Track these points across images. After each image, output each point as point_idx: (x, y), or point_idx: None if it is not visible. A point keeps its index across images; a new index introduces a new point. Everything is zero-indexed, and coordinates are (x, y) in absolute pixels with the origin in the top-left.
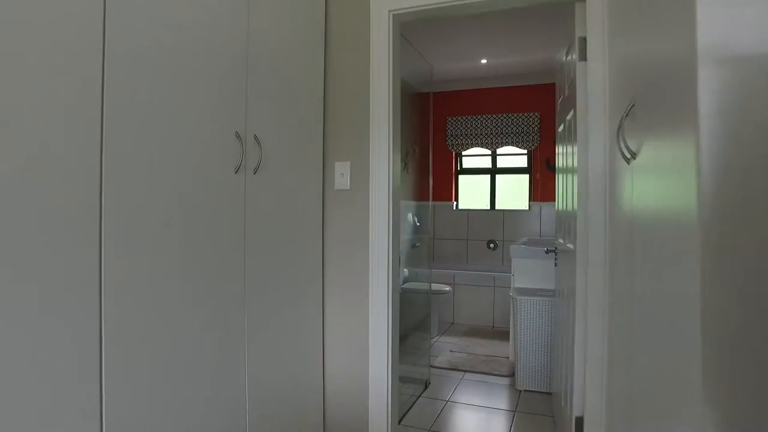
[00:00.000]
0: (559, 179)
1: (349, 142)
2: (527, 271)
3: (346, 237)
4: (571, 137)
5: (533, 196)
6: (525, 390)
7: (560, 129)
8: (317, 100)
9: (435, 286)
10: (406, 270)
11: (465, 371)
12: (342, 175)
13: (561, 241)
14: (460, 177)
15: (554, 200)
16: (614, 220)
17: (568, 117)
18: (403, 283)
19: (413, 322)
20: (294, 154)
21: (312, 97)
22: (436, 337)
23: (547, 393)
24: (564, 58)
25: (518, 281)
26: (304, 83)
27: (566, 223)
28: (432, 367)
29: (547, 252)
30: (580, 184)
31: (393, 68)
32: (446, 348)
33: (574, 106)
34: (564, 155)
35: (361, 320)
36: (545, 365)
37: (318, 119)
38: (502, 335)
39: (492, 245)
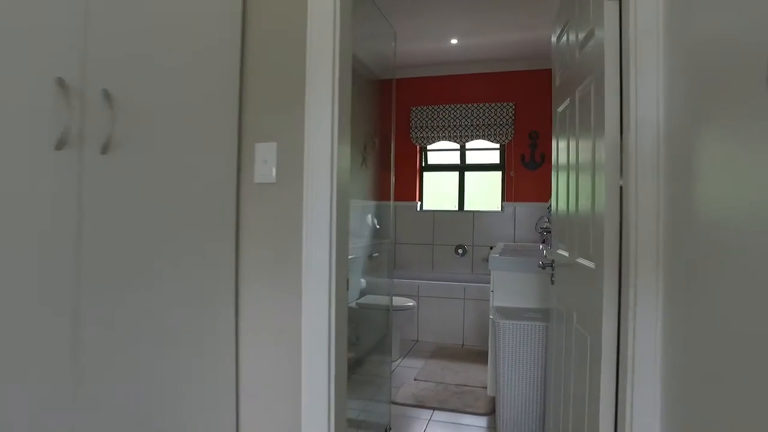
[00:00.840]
0: (558, 177)
1: (277, 115)
2: (510, 286)
3: (272, 248)
4: (583, 122)
5: (506, 196)
6: None
7: (559, 114)
8: (230, 52)
9: (397, 300)
10: (363, 281)
11: (434, 408)
12: (265, 162)
13: (564, 253)
14: (425, 174)
15: (531, 200)
16: (679, 226)
17: (563, 106)
18: (360, 297)
19: (371, 343)
20: (187, 126)
21: (222, 47)
22: (399, 360)
23: None
24: (558, 40)
25: (499, 298)
26: (211, 24)
27: (576, 230)
28: (393, 403)
29: (543, 268)
30: (609, 174)
31: (340, 15)
32: (410, 375)
33: (577, 86)
34: (567, 148)
35: (291, 356)
36: (535, 405)
37: (231, 80)
38: (475, 357)
39: (460, 251)
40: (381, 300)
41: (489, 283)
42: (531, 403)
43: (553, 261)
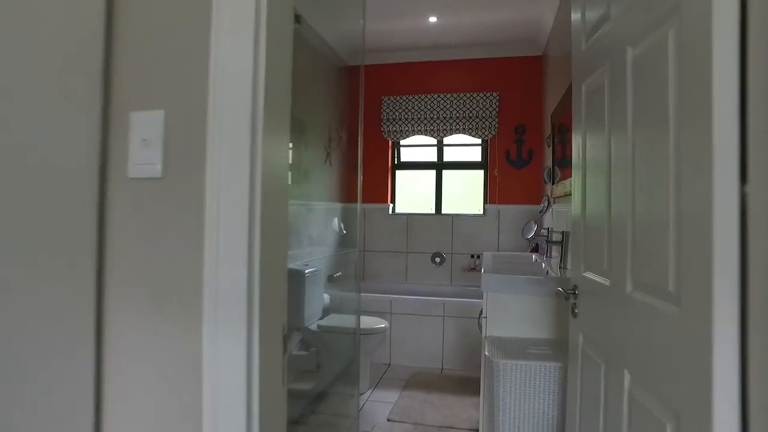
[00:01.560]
0: (586, 176)
1: (165, 64)
2: (508, 311)
3: (156, 278)
4: (646, 99)
5: (489, 198)
6: None
7: (586, 94)
8: None
9: (366, 321)
10: (326, 296)
11: None
12: (146, 143)
13: (597, 278)
14: (398, 173)
15: (517, 202)
16: None
17: (595, 80)
18: (322, 316)
19: (335, 372)
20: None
21: None
22: (368, 393)
23: None
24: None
25: (494, 326)
26: None
27: (625, 249)
28: None
29: (566, 297)
30: (720, 176)
31: None
32: (382, 413)
33: (627, 45)
34: (607, 137)
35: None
36: None
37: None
38: (457, 386)
39: (438, 259)
40: (347, 321)
41: (472, 297)
42: None
43: (575, 287)
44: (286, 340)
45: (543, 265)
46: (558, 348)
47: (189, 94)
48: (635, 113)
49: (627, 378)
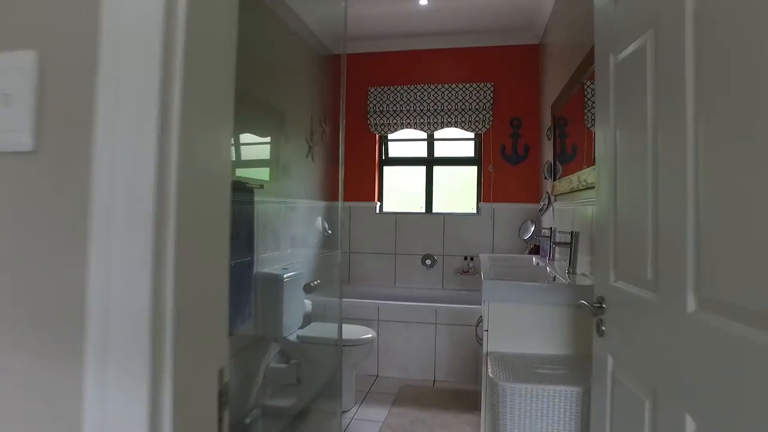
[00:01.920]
0: (618, 169)
1: None
2: (512, 323)
3: (15, 299)
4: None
5: (483, 196)
6: None
7: (619, 65)
8: None
9: (352, 331)
10: (308, 302)
11: None
12: (7, 97)
13: (635, 290)
14: (386, 169)
15: (513, 200)
16: None
17: (636, 50)
18: (304, 324)
19: (317, 388)
20: None
21: None
22: (354, 409)
23: None
24: None
25: (497, 340)
26: None
27: (682, 257)
28: None
29: (594, 313)
30: None
31: None
32: (368, 430)
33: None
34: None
35: None
36: None
37: None
38: (451, 401)
39: (429, 261)
40: (331, 330)
41: (465, 302)
42: None
43: (602, 299)
44: (225, 390)
45: (548, 269)
46: (574, 367)
47: (75, 32)
48: (699, 88)
49: (690, 426)
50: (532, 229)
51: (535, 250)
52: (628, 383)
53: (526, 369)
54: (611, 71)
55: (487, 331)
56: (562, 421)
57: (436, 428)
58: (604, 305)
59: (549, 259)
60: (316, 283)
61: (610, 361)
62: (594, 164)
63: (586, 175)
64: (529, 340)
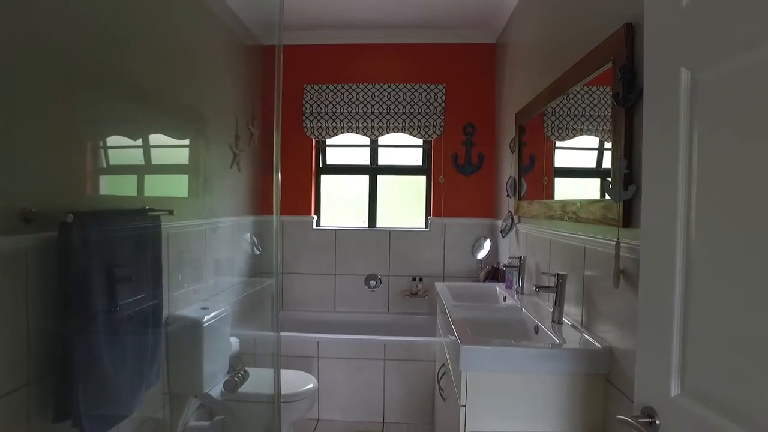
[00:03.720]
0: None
1: None
2: (496, 395)
3: None
4: None
5: (433, 210)
6: None
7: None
8: None
9: (288, 379)
10: (235, 341)
11: None
12: None
13: (709, 415)
14: (324, 178)
15: (466, 215)
16: None
17: None
18: (230, 372)
19: None
20: None
21: None
22: None
23: None
24: None
25: (478, 418)
26: None
27: None
28: None
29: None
30: None
31: None
32: None
33: None
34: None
35: None
36: None
37: None
38: None
39: (373, 282)
40: (263, 381)
41: (415, 327)
42: None
43: (652, 413)
44: None
45: (523, 310)
46: None
47: None
48: None
49: None
50: (487, 246)
51: (493, 274)
52: None
53: None
54: (684, 90)
55: (464, 406)
56: None
57: None
58: (657, 421)
59: (516, 292)
60: (241, 374)
61: None
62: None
63: (577, 207)
64: (518, 416)
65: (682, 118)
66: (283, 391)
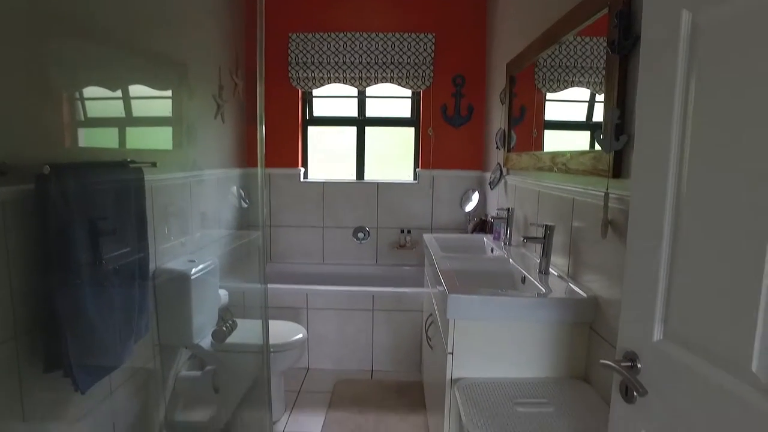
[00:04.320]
0: (683, 164)
1: None
2: (482, 343)
3: None
4: None
5: (421, 162)
6: None
7: None
8: None
9: (278, 330)
10: (224, 293)
11: None
12: None
13: (686, 357)
14: (310, 130)
15: (454, 167)
16: None
17: None
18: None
19: (239, 396)
20: None
21: None
22: (284, 418)
23: None
24: None
25: (464, 365)
26: None
27: None
28: None
29: (629, 389)
30: None
31: None
32: None
33: None
34: None
35: None
36: None
37: None
38: (394, 396)
39: (361, 235)
40: (252, 331)
41: (402, 278)
42: None
43: (634, 357)
44: None
45: (511, 261)
46: (558, 397)
47: None
48: None
49: None
50: (475, 199)
51: (481, 226)
52: None
53: (504, 407)
54: (684, 34)
55: (451, 353)
56: None
57: (380, 428)
58: (638, 365)
59: (504, 243)
60: (230, 324)
61: None
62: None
63: (567, 158)
64: (503, 362)
65: (680, 65)
66: (273, 341)
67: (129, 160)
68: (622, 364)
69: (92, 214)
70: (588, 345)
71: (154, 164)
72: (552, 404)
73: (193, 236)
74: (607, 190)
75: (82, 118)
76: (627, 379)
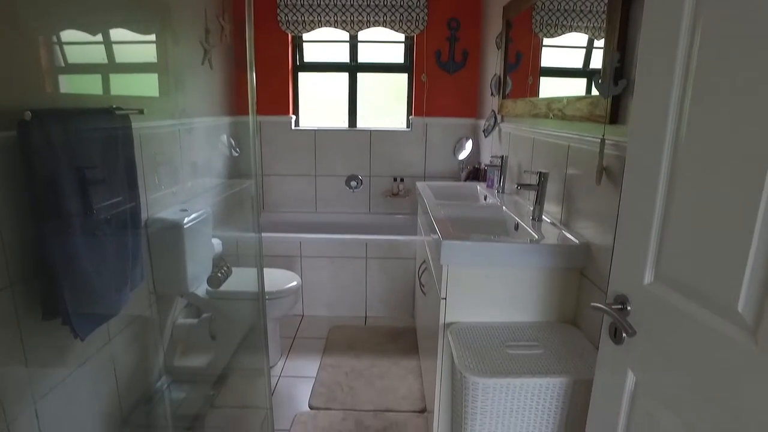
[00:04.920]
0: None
1: None
2: (475, 289)
3: None
4: None
5: (415, 109)
6: None
7: None
8: None
9: (272, 278)
10: (217, 242)
11: None
12: None
13: (674, 299)
14: (301, 76)
15: (448, 114)
16: None
17: None
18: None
19: (236, 343)
20: None
21: None
22: (280, 363)
23: None
24: None
25: (457, 310)
26: None
27: None
28: None
29: (619, 331)
30: None
31: None
32: (301, 393)
33: None
34: None
35: None
36: None
37: None
38: (387, 341)
39: (354, 183)
40: (247, 278)
41: (394, 226)
42: None
43: (624, 300)
44: None
45: (504, 208)
46: (549, 341)
47: None
48: None
49: None
50: (468, 147)
51: (474, 174)
52: (664, 421)
53: (495, 349)
54: None
55: (444, 299)
56: (541, 411)
57: (375, 380)
58: (628, 307)
59: (497, 191)
60: (225, 270)
61: (630, 378)
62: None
63: (563, 104)
64: (495, 307)
65: (686, 6)
66: (268, 288)
67: (114, 107)
68: (613, 306)
69: (79, 162)
70: (578, 290)
71: (141, 111)
72: (542, 347)
73: (185, 186)
74: (603, 136)
75: (62, 64)
76: (617, 320)
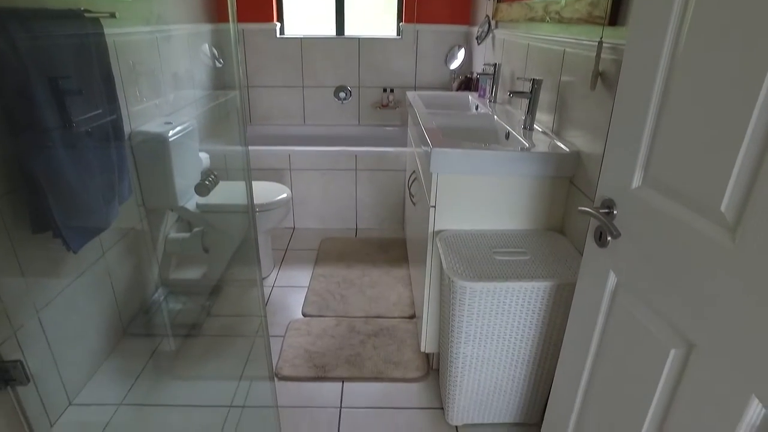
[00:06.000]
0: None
1: None
2: (464, 197)
3: None
4: None
5: (405, 16)
6: (465, 425)
7: None
8: None
9: (261, 190)
10: (205, 156)
11: (342, 380)
12: None
13: (665, 205)
14: None
15: (440, 21)
16: None
17: None
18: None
19: (229, 254)
20: None
21: None
22: (273, 274)
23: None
24: None
25: (447, 218)
26: None
27: None
28: (278, 378)
29: (605, 234)
30: None
31: None
32: (294, 302)
33: None
34: None
35: None
36: (517, 385)
37: None
38: (377, 251)
39: (343, 94)
40: (236, 192)
41: (386, 139)
42: (511, 384)
43: (611, 204)
44: None
45: (495, 117)
46: (535, 247)
47: None
48: None
49: (757, 410)
50: (461, 56)
51: (466, 84)
52: (642, 319)
53: (483, 256)
54: None
55: (434, 207)
56: (526, 313)
57: (366, 289)
58: (615, 211)
59: (489, 100)
60: (212, 178)
61: (612, 278)
62: None
63: (561, 5)
64: (483, 215)
65: None
66: (258, 201)
67: (83, 9)
68: (600, 210)
69: (50, 70)
70: (567, 199)
71: (112, 15)
72: (528, 253)
73: (167, 98)
74: (601, 38)
75: None
76: (603, 223)
